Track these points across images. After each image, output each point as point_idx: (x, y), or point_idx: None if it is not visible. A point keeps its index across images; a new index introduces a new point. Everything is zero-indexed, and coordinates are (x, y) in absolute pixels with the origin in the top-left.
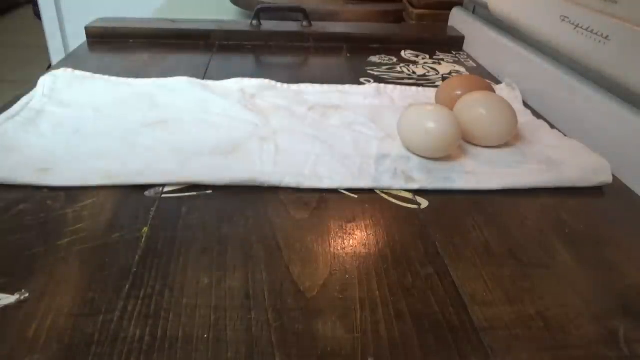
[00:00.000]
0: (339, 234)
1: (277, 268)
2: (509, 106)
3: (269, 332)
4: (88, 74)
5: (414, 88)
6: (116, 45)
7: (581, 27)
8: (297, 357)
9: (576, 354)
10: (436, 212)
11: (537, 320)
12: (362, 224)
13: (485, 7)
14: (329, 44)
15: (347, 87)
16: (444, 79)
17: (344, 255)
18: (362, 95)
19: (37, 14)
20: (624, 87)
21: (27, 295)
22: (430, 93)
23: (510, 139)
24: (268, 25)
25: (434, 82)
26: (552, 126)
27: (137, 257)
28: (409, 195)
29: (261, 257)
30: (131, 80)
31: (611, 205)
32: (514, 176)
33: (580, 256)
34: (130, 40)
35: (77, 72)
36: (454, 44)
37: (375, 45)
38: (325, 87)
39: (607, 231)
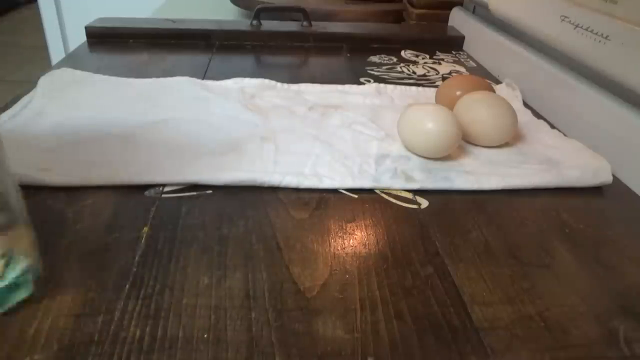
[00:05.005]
0: (339, 234)
1: (277, 268)
2: (509, 106)
3: (269, 332)
4: (88, 73)
5: (414, 88)
6: (116, 45)
7: (581, 27)
8: (297, 357)
9: (576, 354)
10: (436, 212)
11: (537, 320)
12: (362, 224)
13: (485, 7)
14: (329, 44)
15: (347, 87)
16: (444, 79)
17: (344, 255)
18: (362, 95)
19: None
20: (624, 87)
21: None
22: (430, 93)
23: (510, 139)
24: (268, 25)
25: (434, 82)
26: (552, 126)
27: (137, 257)
28: (409, 195)
29: (261, 257)
30: (131, 80)
31: (611, 205)
32: (514, 176)
33: (580, 256)
34: (130, 40)
35: (77, 72)
36: (454, 44)
37: (375, 45)
38: (325, 87)
39: (607, 231)
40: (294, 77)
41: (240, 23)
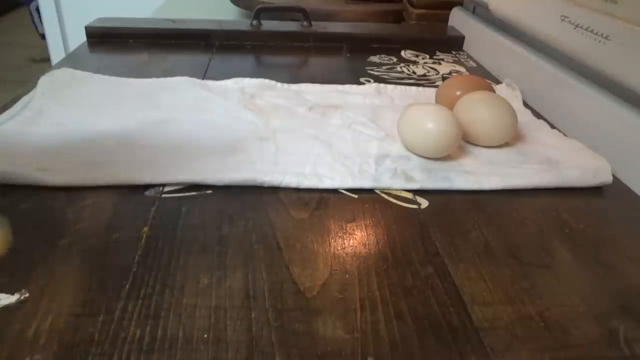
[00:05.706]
0: (339, 234)
1: (277, 268)
2: (509, 106)
3: (269, 332)
4: (88, 73)
5: (414, 88)
6: (116, 45)
7: (581, 27)
8: (297, 357)
9: (576, 354)
10: (436, 212)
11: (537, 320)
12: (362, 224)
13: (485, 7)
14: (329, 44)
15: (347, 87)
16: (444, 79)
17: (344, 255)
18: (362, 95)
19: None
20: (624, 87)
21: (27, 295)
22: (430, 93)
23: (510, 139)
24: (268, 25)
25: (434, 82)
26: (552, 126)
27: (137, 257)
28: (409, 195)
29: (261, 257)
30: (131, 80)
31: (611, 205)
32: (514, 176)
33: (580, 256)
34: (130, 40)
35: (77, 72)
36: (454, 44)
37: (375, 45)
38: (325, 87)
39: (607, 231)
40: (294, 77)
41: (240, 23)
